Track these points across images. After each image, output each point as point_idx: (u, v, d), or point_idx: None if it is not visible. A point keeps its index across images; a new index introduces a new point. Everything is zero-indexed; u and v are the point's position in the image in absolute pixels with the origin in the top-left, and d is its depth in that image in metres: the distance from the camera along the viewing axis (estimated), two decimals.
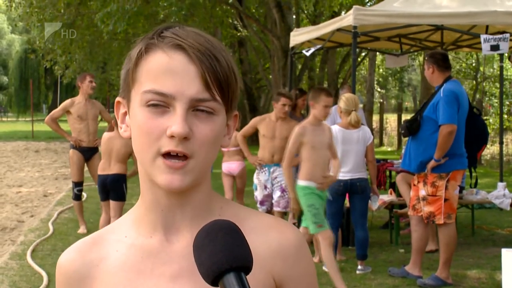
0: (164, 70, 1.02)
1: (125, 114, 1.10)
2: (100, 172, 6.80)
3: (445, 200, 5.65)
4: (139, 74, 1.05)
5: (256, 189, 7.14)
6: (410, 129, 5.87)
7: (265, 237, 1.11)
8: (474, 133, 6.14)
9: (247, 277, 0.91)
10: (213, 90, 1.02)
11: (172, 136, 1.00)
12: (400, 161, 9.38)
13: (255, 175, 7.15)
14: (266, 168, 7.00)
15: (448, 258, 5.76)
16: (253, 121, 7.22)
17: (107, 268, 1.09)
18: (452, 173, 5.66)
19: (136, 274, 1.08)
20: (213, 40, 1.06)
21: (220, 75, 1.02)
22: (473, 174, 6.92)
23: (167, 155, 1.02)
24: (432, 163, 5.63)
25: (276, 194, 6.96)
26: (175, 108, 1.01)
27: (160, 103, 1.02)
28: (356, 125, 6.13)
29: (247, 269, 0.91)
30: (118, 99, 1.12)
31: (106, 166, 6.72)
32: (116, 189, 6.71)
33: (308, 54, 8.61)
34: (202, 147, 1.03)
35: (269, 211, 7.00)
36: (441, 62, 5.78)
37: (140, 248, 1.09)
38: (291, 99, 7.12)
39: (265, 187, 7.04)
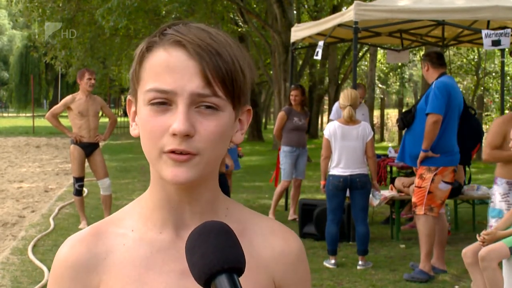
0: (164, 67, 1.01)
1: (135, 112, 1.10)
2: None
3: (429, 192, 5.75)
4: (143, 73, 1.04)
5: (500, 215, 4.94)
6: (404, 121, 5.96)
7: (269, 241, 1.13)
8: (469, 132, 6.21)
9: (249, 278, 0.90)
10: (214, 86, 1.00)
11: (174, 134, 0.99)
12: (390, 152, 9.47)
13: (499, 200, 4.99)
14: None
15: (429, 250, 5.82)
16: None
17: (114, 262, 1.08)
18: (441, 168, 5.73)
19: (146, 269, 1.07)
20: (219, 35, 1.04)
21: (222, 70, 1.00)
22: (467, 170, 7.07)
23: (172, 152, 1.00)
24: (421, 154, 5.72)
25: None
26: (177, 105, 1.00)
27: (163, 101, 1.01)
28: (349, 120, 6.14)
29: (240, 270, 0.90)
30: (129, 97, 1.11)
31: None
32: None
33: (318, 57, 8.62)
34: (208, 144, 1.01)
35: None
36: (435, 60, 5.91)
37: (150, 244, 1.08)
38: None
39: None
